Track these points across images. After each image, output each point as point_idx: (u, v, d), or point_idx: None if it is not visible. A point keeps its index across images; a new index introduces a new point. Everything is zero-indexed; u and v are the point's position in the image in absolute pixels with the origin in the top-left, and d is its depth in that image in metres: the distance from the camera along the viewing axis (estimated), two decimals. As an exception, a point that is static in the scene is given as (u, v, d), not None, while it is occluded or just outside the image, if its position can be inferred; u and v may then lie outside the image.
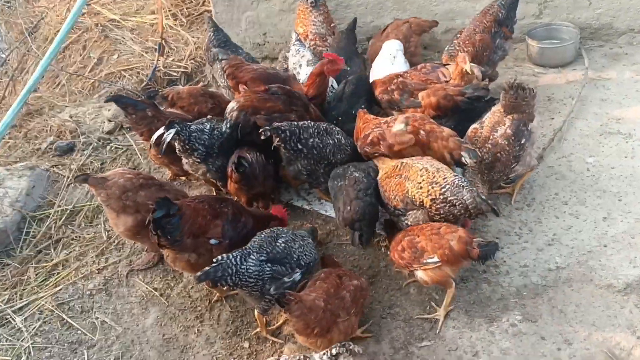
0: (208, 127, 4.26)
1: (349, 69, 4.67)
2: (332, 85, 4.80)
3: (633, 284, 3.49)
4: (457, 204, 3.43)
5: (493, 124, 3.91)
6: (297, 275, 3.40)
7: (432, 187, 3.48)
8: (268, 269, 3.32)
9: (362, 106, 4.42)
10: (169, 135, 4.10)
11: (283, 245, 3.44)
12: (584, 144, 4.55)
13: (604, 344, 3.23)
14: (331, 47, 5.23)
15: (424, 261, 3.32)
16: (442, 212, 3.49)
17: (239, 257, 3.29)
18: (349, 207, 3.68)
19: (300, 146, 3.98)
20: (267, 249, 3.40)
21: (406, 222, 3.66)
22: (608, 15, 5.58)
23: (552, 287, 3.57)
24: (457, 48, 4.74)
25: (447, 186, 3.45)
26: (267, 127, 3.97)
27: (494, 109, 4.01)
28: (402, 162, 3.74)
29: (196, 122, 4.31)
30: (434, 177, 3.51)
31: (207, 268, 3.21)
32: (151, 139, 4.23)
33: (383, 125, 3.99)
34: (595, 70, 5.27)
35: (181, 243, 3.52)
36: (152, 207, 3.43)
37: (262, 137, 3.94)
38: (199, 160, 4.20)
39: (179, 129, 4.11)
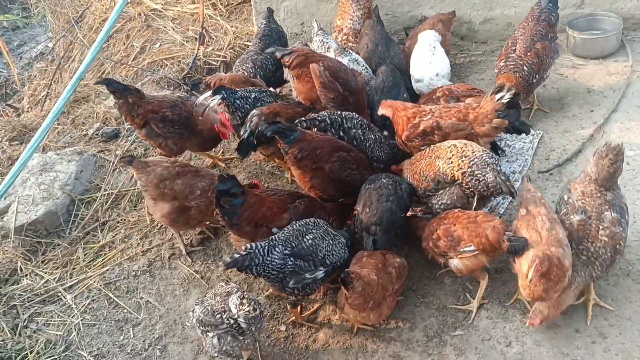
0: (253, 96, 4.52)
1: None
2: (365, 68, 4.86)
3: (672, 280, 3.48)
4: (480, 179, 3.48)
5: (596, 208, 3.27)
6: (319, 273, 3.43)
7: (462, 161, 3.54)
8: (290, 263, 3.35)
9: (404, 95, 4.45)
10: (213, 101, 4.36)
11: (310, 241, 3.46)
12: (625, 137, 4.48)
13: (639, 339, 3.25)
14: (367, 35, 5.23)
15: (461, 249, 3.38)
16: (470, 186, 3.54)
17: (265, 247, 3.33)
18: (367, 210, 3.67)
19: (342, 134, 4.05)
20: (293, 243, 3.42)
21: (438, 202, 3.70)
22: (653, 5, 5.44)
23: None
24: (520, 62, 4.53)
25: (475, 160, 3.50)
26: (303, 119, 4.08)
27: (578, 187, 3.36)
28: (429, 148, 3.81)
29: (244, 89, 4.58)
30: (463, 151, 3.58)
31: (236, 255, 3.29)
32: (198, 100, 4.50)
33: (432, 114, 3.95)
34: (638, 62, 5.16)
35: (240, 227, 3.59)
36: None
37: (298, 127, 4.03)
38: (237, 123, 4.46)
39: (225, 95, 4.37)
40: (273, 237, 3.45)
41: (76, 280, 4.44)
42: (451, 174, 3.58)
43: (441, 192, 3.70)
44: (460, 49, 5.86)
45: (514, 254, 3.27)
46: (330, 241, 3.54)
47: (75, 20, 7.13)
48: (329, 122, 4.08)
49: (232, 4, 6.92)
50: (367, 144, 4.10)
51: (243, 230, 3.62)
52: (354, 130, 4.07)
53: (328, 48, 5.05)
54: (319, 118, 4.13)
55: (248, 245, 3.33)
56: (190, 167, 4.21)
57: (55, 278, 4.47)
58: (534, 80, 4.59)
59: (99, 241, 4.72)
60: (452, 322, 3.56)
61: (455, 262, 3.46)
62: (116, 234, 4.77)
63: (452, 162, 3.58)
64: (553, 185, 4.25)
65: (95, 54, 4.91)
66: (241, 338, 3.29)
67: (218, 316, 3.25)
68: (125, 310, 4.16)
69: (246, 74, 5.10)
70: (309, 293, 3.50)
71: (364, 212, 3.70)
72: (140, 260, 4.50)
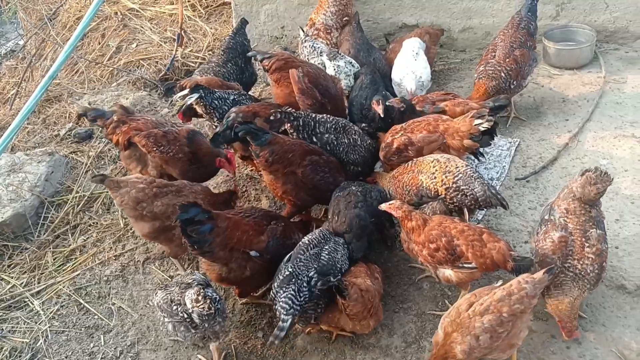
0: (231, 98, 4.44)
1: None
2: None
3: (644, 286, 3.55)
4: (468, 194, 3.49)
5: (580, 226, 3.28)
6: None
7: (446, 176, 3.54)
8: (315, 278, 3.26)
9: (384, 92, 4.49)
10: (191, 99, 4.26)
11: (327, 256, 3.41)
12: (598, 146, 4.58)
13: (613, 344, 3.29)
14: (348, 41, 5.24)
15: (460, 264, 3.31)
16: (455, 201, 3.55)
17: (297, 294, 3.19)
18: (336, 218, 3.64)
19: (315, 139, 4.01)
20: (315, 265, 3.33)
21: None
22: (624, 19, 5.59)
23: (563, 287, 3.62)
24: (499, 68, 4.61)
25: (460, 175, 3.51)
26: (279, 110, 4.03)
27: (561, 204, 3.36)
28: (410, 162, 3.81)
29: (222, 91, 4.50)
30: (446, 166, 3.59)
31: (282, 325, 3.13)
32: (174, 97, 4.42)
33: (404, 131, 3.97)
34: (610, 74, 5.29)
35: (213, 254, 3.38)
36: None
37: (272, 118, 4.04)
38: (216, 125, 4.35)
39: (203, 94, 4.27)
40: (292, 273, 3.28)
41: (44, 286, 4.29)
42: (434, 189, 3.58)
43: (424, 206, 3.69)
44: (440, 56, 5.92)
45: (518, 273, 3.19)
46: (342, 251, 3.51)
47: (48, 18, 6.95)
48: (301, 123, 4.03)
49: (212, 5, 6.85)
50: (341, 149, 4.06)
51: (217, 256, 3.41)
52: (327, 135, 4.02)
53: (321, 52, 5.03)
54: (295, 114, 4.09)
55: (285, 306, 3.15)
56: (171, 186, 3.92)
57: (22, 283, 4.31)
58: (512, 86, 4.66)
59: (70, 245, 4.58)
60: (430, 328, 3.55)
61: (448, 273, 3.39)
62: (88, 238, 4.64)
63: (435, 177, 3.58)
64: (530, 192, 4.31)
65: (69, 52, 4.79)
66: (193, 331, 3.28)
67: (174, 307, 3.26)
68: (96, 317, 4.03)
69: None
70: (323, 308, 3.36)
71: (333, 221, 3.66)
72: (113, 264, 4.38)
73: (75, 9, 6.92)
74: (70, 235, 4.68)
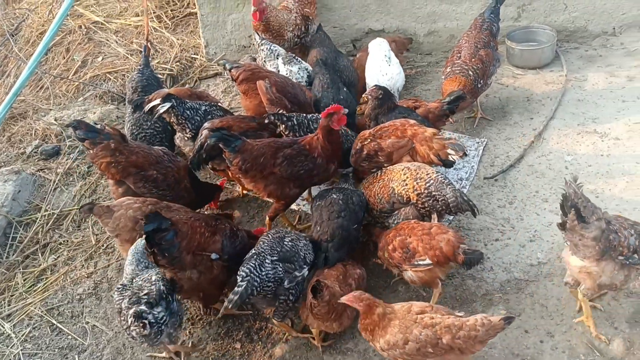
0: (203, 109, 4.42)
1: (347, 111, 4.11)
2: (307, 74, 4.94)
3: (610, 277, 3.64)
4: (439, 199, 3.55)
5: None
6: (305, 272, 3.47)
7: (417, 182, 3.60)
8: (280, 268, 3.36)
9: (344, 89, 4.55)
10: (163, 108, 4.24)
11: (290, 244, 3.50)
12: (562, 143, 4.71)
13: (584, 336, 3.37)
14: (315, 49, 5.27)
15: (415, 262, 3.40)
16: (427, 205, 3.61)
17: (257, 265, 3.30)
18: (318, 227, 3.66)
19: None
20: (277, 249, 3.44)
21: (394, 222, 3.75)
22: (583, 19, 5.78)
23: (534, 281, 3.71)
24: (465, 67, 4.70)
25: (432, 181, 3.57)
26: (271, 114, 4.09)
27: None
28: (380, 171, 3.87)
29: (194, 102, 4.47)
30: (417, 173, 3.64)
31: (237, 289, 3.19)
32: (145, 108, 4.33)
33: (373, 137, 4.00)
34: (571, 72, 5.45)
35: (180, 260, 3.39)
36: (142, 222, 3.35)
37: (265, 122, 4.10)
38: (188, 137, 4.34)
39: (175, 103, 4.25)
40: (258, 250, 3.41)
41: (15, 308, 4.20)
42: (406, 195, 3.63)
43: (396, 212, 3.74)
44: (407, 60, 5.99)
45: (469, 266, 3.33)
46: (304, 241, 3.59)
47: (10, 34, 6.80)
48: (295, 122, 4.08)
49: (178, 16, 6.81)
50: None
51: (184, 261, 3.42)
52: None
53: (277, 55, 5.05)
54: (287, 115, 4.13)
55: (242, 273, 3.25)
56: (161, 204, 3.88)
57: (-9, 306, 4.21)
58: (479, 85, 4.77)
59: (40, 265, 4.49)
60: (407, 330, 3.58)
61: (409, 274, 3.47)
62: (58, 257, 4.55)
63: (406, 184, 3.63)
64: (498, 191, 4.39)
65: (33, 68, 4.72)
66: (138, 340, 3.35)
67: (121, 317, 3.32)
68: (69, 337, 3.96)
69: (129, 135, 4.69)
70: (298, 296, 3.44)
71: (315, 230, 3.68)
72: (85, 282, 4.31)
73: (38, 23, 6.79)
74: (40, 254, 4.58)
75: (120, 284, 3.47)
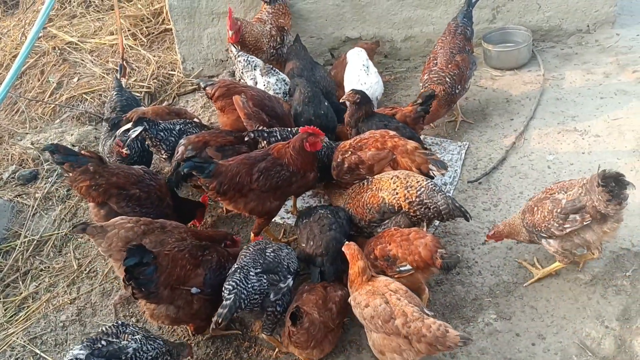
0: (177, 128, 4.37)
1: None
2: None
3: (598, 275, 3.65)
4: (431, 206, 3.52)
5: (566, 185, 3.45)
6: (290, 281, 3.43)
7: (408, 191, 3.57)
8: (265, 279, 3.33)
9: (326, 103, 4.53)
10: (134, 132, 4.18)
11: (272, 254, 3.46)
12: (544, 142, 4.72)
13: (576, 336, 3.36)
14: (291, 61, 5.25)
15: (397, 269, 3.38)
16: (418, 213, 3.59)
17: (242, 278, 3.26)
18: (311, 242, 3.62)
19: None
20: (260, 260, 3.40)
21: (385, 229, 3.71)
22: (557, 18, 5.84)
23: (523, 284, 3.69)
24: (442, 74, 4.70)
25: (422, 189, 3.54)
26: (251, 131, 4.05)
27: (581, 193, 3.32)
28: (366, 181, 3.83)
29: (168, 122, 4.42)
30: (407, 181, 3.61)
31: (226, 303, 3.15)
32: (117, 132, 4.30)
33: (353, 150, 3.97)
34: (549, 71, 5.49)
35: (157, 295, 3.31)
36: (124, 255, 3.26)
37: (246, 139, 4.07)
38: (164, 157, 4.33)
39: (147, 126, 4.20)
40: (240, 264, 3.37)
41: (-4, 339, 4.07)
42: (397, 204, 3.60)
43: (387, 221, 3.70)
44: (385, 67, 6.01)
45: (447, 270, 3.32)
46: (286, 250, 3.56)
47: (-17, 58, 6.69)
48: (279, 137, 4.04)
49: (153, 33, 6.75)
50: (322, 152, 4.05)
51: (161, 296, 3.33)
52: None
53: (255, 66, 5.02)
54: (267, 131, 4.09)
55: (229, 287, 3.21)
56: (155, 223, 3.81)
57: (-28, 339, 4.08)
58: (457, 91, 4.76)
59: (21, 293, 4.38)
60: (398, 340, 3.53)
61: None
62: (40, 283, 4.44)
63: (397, 193, 3.59)
64: (483, 194, 4.39)
65: (6, 92, 4.63)
66: None
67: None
68: (53, 366, 3.85)
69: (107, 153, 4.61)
70: (285, 308, 3.40)
71: (307, 245, 3.63)
72: (69, 309, 4.20)
73: (11, 46, 6.68)
74: (21, 282, 4.47)
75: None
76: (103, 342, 3.06)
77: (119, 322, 3.25)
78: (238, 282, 3.25)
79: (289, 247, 3.65)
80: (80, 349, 2.98)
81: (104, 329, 3.21)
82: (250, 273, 3.32)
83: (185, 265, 3.42)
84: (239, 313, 3.29)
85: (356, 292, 3.19)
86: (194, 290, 3.41)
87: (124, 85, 5.39)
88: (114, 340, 3.09)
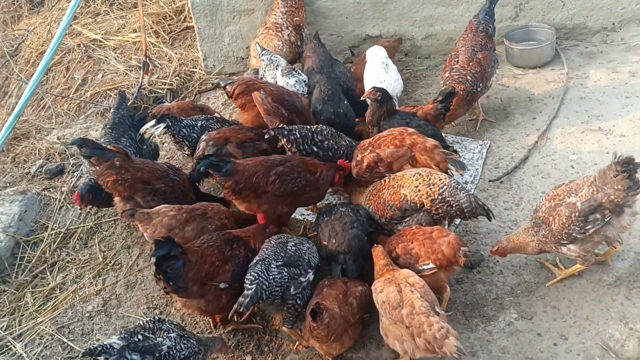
0: (199, 124, 4.40)
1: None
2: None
3: (622, 276, 3.62)
4: (453, 204, 3.53)
5: (573, 188, 3.42)
6: (310, 275, 3.48)
7: (430, 188, 3.57)
8: (286, 272, 3.38)
9: (345, 101, 4.54)
10: (157, 130, 4.26)
11: (294, 248, 3.51)
12: (567, 142, 4.68)
13: (599, 337, 3.34)
14: (310, 58, 5.27)
15: (419, 267, 3.39)
16: (440, 211, 3.59)
17: (264, 269, 3.32)
18: (333, 240, 3.63)
19: (316, 149, 4.05)
20: (281, 254, 3.45)
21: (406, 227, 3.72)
22: (581, 15, 5.77)
23: (545, 283, 3.68)
24: (464, 72, 4.69)
25: (445, 187, 3.55)
26: (271, 129, 4.08)
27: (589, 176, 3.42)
28: (388, 177, 3.84)
29: (190, 118, 4.47)
30: (429, 179, 3.62)
31: (247, 292, 3.22)
32: (142, 129, 4.34)
33: (372, 148, 3.99)
34: (572, 70, 5.43)
35: (186, 289, 3.37)
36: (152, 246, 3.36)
37: (266, 137, 4.10)
38: (187, 153, 4.36)
39: (170, 123, 4.26)
40: (262, 256, 3.43)
41: (26, 327, 4.19)
42: (420, 201, 3.60)
43: (408, 219, 3.72)
44: (405, 65, 6.00)
45: (471, 268, 3.32)
46: (308, 244, 3.60)
47: (10, 55, 6.84)
48: (298, 135, 4.07)
49: (175, 30, 6.83)
50: (342, 151, 4.10)
51: (190, 291, 3.40)
52: (327, 142, 4.07)
53: (277, 66, 5.05)
54: (287, 129, 4.11)
55: (250, 277, 3.28)
56: (196, 210, 3.92)
57: (2, 327, 4.20)
58: (479, 89, 4.75)
59: (49, 283, 4.49)
60: (418, 337, 3.55)
61: None
62: (67, 275, 4.55)
63: (419, 190, 3.60)
64: (504, 193, 4.37)
65: (34, 88, 4.75)
66: None
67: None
68: (80, 355, 3.94)
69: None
70: (306, 301, 3.46)
71: (330, 243, 3.65)
72: (95, 300, 4.30)
73: (37, 44, 6.82)
74: (48, 273, 4.59)
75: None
76: (139, 337, 3.11)
77: (157, 317, 3.30)
78: (260, 273, 3.31)
79: (310, 241, 3.70)
80: (118, 339, 3.05)
81: (142, 322, 3.26)
82: (272, 265, 3.37)
83: (214, 261, 3.46)
84: (260, 304, 3.34)
85: (376, 280, 3.33)
86: (222, 285, 3.47)
87: (129, 96, 5.39)
88: (150, 335, 3.13)
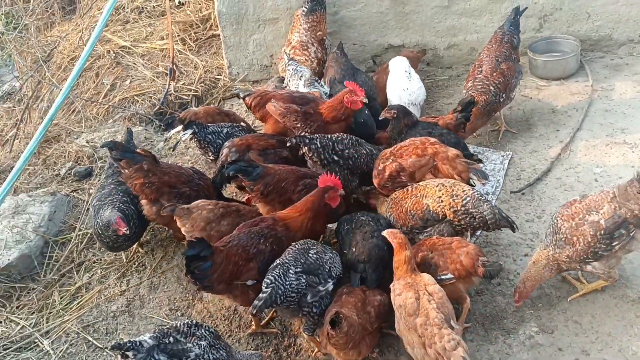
0: (225, 131, 4.50)
1: (366, 101, 4.43)
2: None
3: (646, 292, 3.59)
4: (476, 216, 3.54)
5: (592, 205, 3.40)
6: (330, 285, 3.49)
7: (454, 200, 3.58)
8: (304, 280, 3.40)
9: (366, 111, 4.59)
10: (184, 136, 4.36)
11: (315, 256, 3.52)
12: (591, 154, 4.65)
13: (621, 354, 3.31)
14: (332, 67, 5.33)
15: (438, 277, 3.40)
16: (463, 223, 3.60)
17: (282, 274, 3.36)
18: (354, 249, 3.64)
19: (336, 157, 4.11)
20: (301, 260, 3.47)
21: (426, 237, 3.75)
22: (607, 27, 5.73)
23: (566, 298, 3.66)
24: (487, 82, 4.72)
25: (468, 198, 3.56)
26: (293, 137, 4.15)
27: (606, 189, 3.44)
28: (411, 186, 3.86)
29: (216, 124, 4.57)
30: (452, 190, 3.63)
31: (262, 295, 3.26)
32: (167, 134, 4.41)
33: (394, 157, 4.02)
34: (597, 82, 5.39)
35: (212, 288, 3.51)
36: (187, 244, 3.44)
37: (288, 145, 4.15)
38: (212, 159, 4.45)
39: (196, 130, 4.35)
40: (282, 260, 3.46)
41: (53, 325, 4.30)
42: (442, 212, 3.62)
43: (429, 229, 3.74)
44: (427, 74, 6.03)
45: (490, 278, 3.33)
46: (330, 254, 3.61)
47: (43, 60, 7.07)
48: (319, 145, 4.12)
49: (201, 38, 6.98)
50: (361, 160, 4.15)
51: (216, 290, 3.55)
52: (347, 151, 4.12)
53: (301, 77, 5.13)
54: (309, 137, 4.18)
55: (267, 280, 3.34)
56: (232, 207, 4.03)
57: (31, 324, 4.32)
58: (501, 99, 4.75)
59: (75, 283, 4.61)
60: (437, 347, 3.56)
61: None
62: (93, 275, 4.67)
63: (442, 201, 3.61)
64: (526, 205, 4.36)
65: (67, 93, 4.89)
66: None
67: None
68: (104, 353, 4.04)
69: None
70: (323, 310, 3.48)
71: (350, 252, 3.68)
72: (119, 300, 4.41)
73: (69, 50, 7.03)
74: (75, 273, 4.71)
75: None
76: (171, 339, 3.12)
77: (195, 321, 3.31)
78: (277, 277, 3.35)
79: (334, 251, 3.71)
80: (149, 338, 3.08)
81: (177, 324, 3.27)
82: (290, 271, 3.40)
83: (237, 261, 3.54)
84: (275, 307, 3.37)
85: (397, 281, 3.31)
86: (249, 282, 3.56)
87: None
88: (182, 339, 3.14)
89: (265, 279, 3.37)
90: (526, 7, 5.29)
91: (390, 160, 4.02)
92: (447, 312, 3.12)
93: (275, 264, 3.49)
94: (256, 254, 3.59)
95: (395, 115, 4.30)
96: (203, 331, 3.24)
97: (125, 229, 4.12)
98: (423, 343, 3.04)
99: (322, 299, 3.47)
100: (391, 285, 3.35)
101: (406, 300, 3.16)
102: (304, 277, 3.42)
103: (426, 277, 3.29)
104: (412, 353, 3.20)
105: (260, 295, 3.30)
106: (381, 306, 3.44)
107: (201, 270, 3.39)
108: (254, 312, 3.28)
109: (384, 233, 3.47)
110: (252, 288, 3.58)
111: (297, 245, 3.61)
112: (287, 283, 3.35)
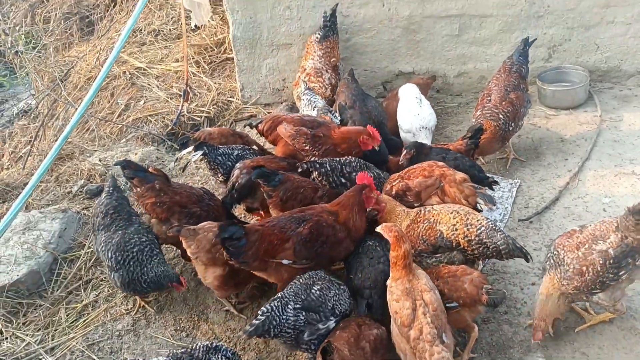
0: (235, 154, 4.57)
1: (378, 148, 4.47)
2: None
3: (655, 325, 3.55)
4: (490, 246, 3.54)
5: (597, 235, 3.39)
6: (331, 323, 3.43)
7: (468, 229, 3.58)
8: (302, 317, 3.35)
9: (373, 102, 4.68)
10: (194, 157, 4.42)
11: (318, 292, 3.46)
12: (599, 184, 4.65)
13: (629, 387, 3.27)
14: (343, 93, 5.41)
15: (444, 305, 3.37)
16: (476, 252, 3.61)
17: (279, 307, 3.33)
18: (360, 274, 3.63)
19: (344, 180, 4.16)
20: (302, 296, 3.43)
21: (434, 263, 3.75)
22: (616, 59, 5.78)
23: (574, 328, 3.63)
24: (496, 110, 4.77)
25: (482, 228, 3.56)
26: (304, 163, 4.23)
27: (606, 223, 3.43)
28: (423, 209, 3.84)
29: (226, 147, 4.64)
30: (467, 219, 3.63)
31: (255, 322, 3.26)
32: (178, 154, 4.43)
33: (401, 178, 4.08)
34: (606, 112, 5.42)
35: (247, 264, 3.62)
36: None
37: (299, 170, 4.21)
38: (221, 180, 4.50)
39: (207, 151, 4.42)
40: (282, 294, 3.45)
41: (58, 342, 4.30)
42: (455, 240, 3.62)
43: (439, 255, 3.74)
44: (437, 101, 6.09)
45: (494, 306, 3.32)
46: (336, 290, 3.55)
47: (60, 79, 7.24)
48: (329, 168, 4.19)
49: (215, 61, 7.13)
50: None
51: (252, 265, 3.66)
52: (354, 174, 4.15)
53: (314, 107, 5.21)
54: (319, 162, 4.26)
55: (263, 309, 3.33)
56: None
57: (36, 340, 4.33)
58: (510, 128, 4.79)
59: (82, 301, 4.63)
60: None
61: None
62: (99, 293, 4.69)
63: (456, 230, 3.61)
64: (534, 233, 4.36)
65: (83, 111, 4.99)
66: None
67: None
68: (121, 367, 4.05)
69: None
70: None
71: (355, 277, 3.66)
72: (124, 319, 4.41)
73: (86, 70, 7.21)
74: (82, 290, 4.73)
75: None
76: None
77: (215, 344, 3.27)
78: (274, 308, 3.31)
79: (342, 287, 3.60)
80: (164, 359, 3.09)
81: (194, 347, 3.25)
82: (289, 306, 3.35)
83: (272, 240, 3.61)
84: (267, 337, 3.33)
85: (394, 282, 3.26)
86: (285, 261, 3.62)
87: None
88: None
89: (262, 308, 3.35)
90: (535, 39, 5.36)
91: (397, 181, 4.07)
92: (441, 325, 3.12)
93: (275, 297, 3.45)
94: (293, 235, 3.63)
95: (414, 155, 4.33)
96: (221, 355, 3.17)
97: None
98: (414, 354, 3.08)
99: (321, 337, 3.39)
100: (388, 283, 3.31)
101: (402, 309, 3.16)
102: (303, 314, 3.36)
103: (423, 281, 3.24)
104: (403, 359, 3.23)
105: (253, 321, 3.28)
106: (377, 340, 3.34)
107: (236, 247, 3.52)
108: (244, 335, 3.30)
109: (378, 229, 3.38)
110: (286, 268, 3.65)
111: (301, 280, 3.57)
112: (284, 318, 3.31)
